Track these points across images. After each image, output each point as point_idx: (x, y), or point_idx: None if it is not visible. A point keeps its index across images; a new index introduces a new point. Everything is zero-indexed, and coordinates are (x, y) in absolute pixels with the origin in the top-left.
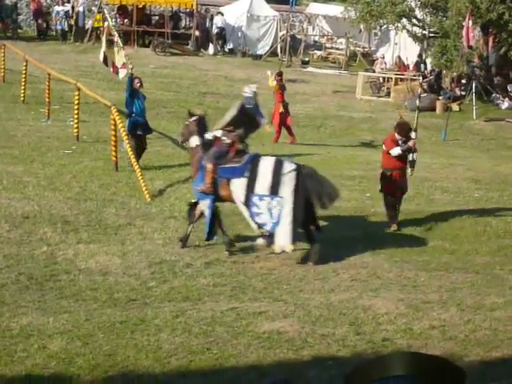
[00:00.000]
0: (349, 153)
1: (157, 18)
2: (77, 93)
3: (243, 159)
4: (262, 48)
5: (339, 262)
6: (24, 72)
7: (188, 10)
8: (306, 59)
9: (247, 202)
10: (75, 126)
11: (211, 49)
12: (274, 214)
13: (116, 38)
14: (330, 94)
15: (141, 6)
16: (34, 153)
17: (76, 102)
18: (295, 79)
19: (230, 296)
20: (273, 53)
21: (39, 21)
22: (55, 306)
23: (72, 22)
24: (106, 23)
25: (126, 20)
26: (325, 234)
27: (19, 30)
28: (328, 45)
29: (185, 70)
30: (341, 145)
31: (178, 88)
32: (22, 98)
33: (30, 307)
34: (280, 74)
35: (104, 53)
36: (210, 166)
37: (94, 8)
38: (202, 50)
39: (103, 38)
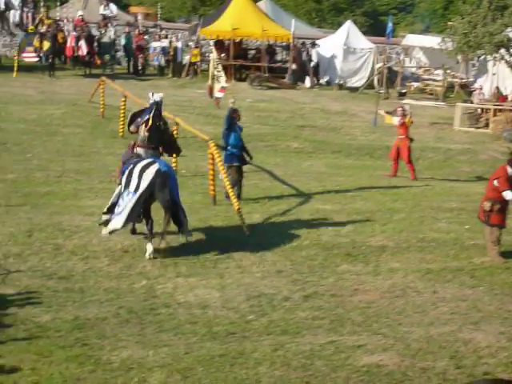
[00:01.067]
0: (447, 185)
1: (253, 51)
2: (175, 127)
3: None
4: (359, 80)
5: (438, 295)
6: (123, 107)
7: (284, 43)
8: (403, 91)
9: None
10: (174, 160)
11: (308, 82)
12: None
13: (217, 70)
14: (427, 126)
15: (237, 41)
16: None
17: (175, 136)
18: (392, 111)
19: (328, 329)
20: (369, 85)
21: (139, 57)
22: (155, 339)
23: (170, 57)
24: (211, 55)
25: (222, 54)
26: (423, 265)
27: (117, 66)
28: (425, 76)
29: (282, 103)
30: (439, 177)
31: (275, 121)
32: (121, 133)
33: (129, 341)
34: (405, 109)
35: (209, 86)
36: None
37: (191, 43)
38: (298, 83)
39: (210, 72)
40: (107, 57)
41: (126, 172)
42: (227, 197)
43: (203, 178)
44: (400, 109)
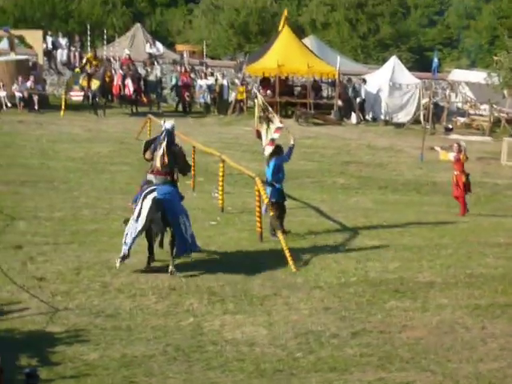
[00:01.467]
0: (494, 220)
1: (299, 88)
2: (221, 165)
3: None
4: (405, 116)
5: (487, 331)
6: None
7: (330, 79)
8: (450, 126)
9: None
10: (220, 197)
11: (354, 118)
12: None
13: (269, 113)
14: (473, 161)
15: (283, 78)
16: None
17: (221, 173)
18: (439, 147)
19: (377, 366)
20: (416, 120)
21: (185, 95)
22: (202, 377)
23: (215, 94)
24: (256, 100)
25: (268, 91)
26: (471, 301)
27: (164, 104)
28: (471, 111)
29: (328, 139)
30: (486, 212)
31: (321, 158)
32: None
33: (177, 378)
34: (460, 145)
35: (256, 129)
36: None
37: (236, 81)
38: (344, 119)
39: (256, 116)
40: (153, 95)
41: (139, 201)
42: (273, 234)
43: (250, 215)
44: (456, 145)
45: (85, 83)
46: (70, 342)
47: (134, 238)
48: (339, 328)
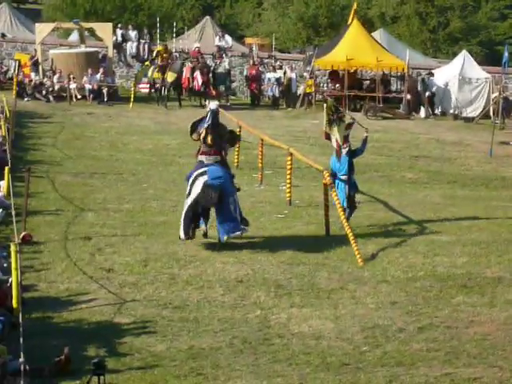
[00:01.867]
0: None
1: (368, 82)
2: (289, 158)
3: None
4: (475, 111)
5: None
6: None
7: (399, 73)
8: None
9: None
10: (288, 190)
11: (423, 112)
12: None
13: (337, 116)
14: None
15: (352, 71)
16: (247, 217)
17: (288, 167)
18: (509, 141)
19: (443, 361)
20: (485, 115)
21: (253, 87)
22: (268, 369)
23: (284, 87)
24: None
25: (337, 85)
26: None
27: (232, 97)
28: None
29: (396, 133)
30: None
31: (389, 152)
32: (236, 164)
33: (243, 371)
34: None
35: (325, 132)
36: None
37: (305, 74)
38: (413, 113)
39: (324, 118)
40: (222, 87)
41: (190, 180)
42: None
43: (317, 209)
44: None
45: (156, 75)
46: (138, 333)
47: (186, 214)
48: (406, 322)
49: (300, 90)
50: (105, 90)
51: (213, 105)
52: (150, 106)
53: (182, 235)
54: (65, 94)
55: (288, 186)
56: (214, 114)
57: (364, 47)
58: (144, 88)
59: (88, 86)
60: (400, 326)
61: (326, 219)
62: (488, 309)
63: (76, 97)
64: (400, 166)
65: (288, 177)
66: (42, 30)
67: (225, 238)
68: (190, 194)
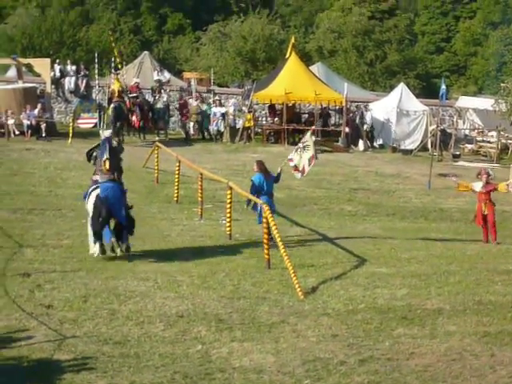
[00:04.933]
0: (503, 247)
1: (306, 115)
2: (229, 192)
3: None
4: (413, 143)
5: (496, 358)
6: (177, 172)
7: (337, 107)
8: (457, 153)
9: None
10: (228, 224)
11: (361, 145)
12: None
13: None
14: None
15: (291, 105)
16: (187, 252)
17: (228, 200)
18: (446, 173)
19: None
20: (423, 147)
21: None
22: None
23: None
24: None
25: (276, 119)
26: (480, 328)
27: (172, 132)
28: (479, 138)
29: (335, 166)
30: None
31: (328, 185)
32: (176, 198)
33: None
34: (490, 174)
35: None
36: None
37: (244, 108)
38: (352, 146)
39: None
40: (161, 123)
41: (86, 198)
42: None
43: (257, 242)
44: (485, 174)
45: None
46: (78, 369)
47: (95, 230)
48: (347, 355)
49: (239, 125)
50: (43, 126)
51: (106, 133)
52: (89, 142)
53: (97, 251)
54: (2, 130)
55: (228, 220)
56: (109, 140)
57: (302, 81)
58: (84, 123)
59: (26, 122)
60: (341, 358)
61: (267, 252)
62: (429, 340)
63: (14, 132)
64: (339, 199)
65: (228, 211)
66: None
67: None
68: (88, 211)
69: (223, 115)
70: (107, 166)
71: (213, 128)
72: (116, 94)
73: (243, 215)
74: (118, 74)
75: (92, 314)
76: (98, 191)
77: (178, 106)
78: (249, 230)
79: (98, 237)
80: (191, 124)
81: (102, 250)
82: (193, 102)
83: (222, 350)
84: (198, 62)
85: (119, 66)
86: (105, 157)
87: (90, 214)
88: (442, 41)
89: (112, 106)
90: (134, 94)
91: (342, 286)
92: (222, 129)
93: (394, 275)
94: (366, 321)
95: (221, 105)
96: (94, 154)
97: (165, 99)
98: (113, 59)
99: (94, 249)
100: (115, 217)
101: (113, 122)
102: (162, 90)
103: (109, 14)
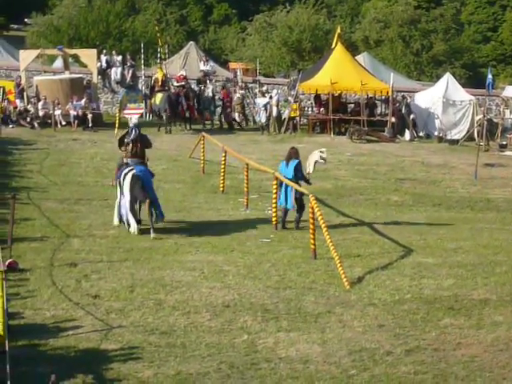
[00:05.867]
0: None
1: (352, 105)
2: (274, 182)
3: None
4: (459, 133)
5: None
6: (223, 163)
7: (383, 96)
8: (504, 143)
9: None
10: (274, 214)
11: (407, 135)
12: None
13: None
14: None
15: (336, 95)
16: (233, 242)
17: (274, 191)
18: (493, 163)
19: None
20: (470, 137)
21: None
22: None
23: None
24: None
25: (321, 109)
26: None
27: (217, 122)
28: None
29: (381, 156)
30: None
31: (374, 175)
32: (222, 188)
33: None
34: None
35: None
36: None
37: (290, 98)
38: (398, 136)
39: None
40: (207, 112)
41: (120, 179)
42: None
43: (303, 232)
44: None
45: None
46: (125, 359)
47: (130, 208)
48: (393, 345)
49: (285, 115)
50: (89, 116)
51: (134, 120)
52: None
53: (135, 229)
54: (49, 121)
55: (274, 210)
56: (137, 127)
57: (348, 71)
58: (130, 114)
59: (73, 113)
60: (387, 349)
61: (313, 242)
62: (475, 331)
63: (61, 123)
64: (385, 189)
65: (274, 201)
66: (26, 56)
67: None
68: (122, 190)
69: (265, 106)
70: (135, 151)
71: (257, 118)
72: (159, 83)
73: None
74: (161, 64)
75: (138, 304)
76: (133, 171)
77: (221, 96)
78: (294, 220)
79: (134, 214)
80: (236, 114)
81: (139, 229)
82: (237, 93)
83: (268, 340)
84: (243, 52)
85: (163, 56)
86: (131, 141)
87: (127, 192)
88: (488, 30)
89: (164, 94)
90: (180, 83)
91: (388, 276)
92: (263, 120)
93: (441, 265)
94: (412, 311)
95: (263, 95)
96: (125, 140)
97: (210, 89)
98: (158, 49)
99: (132, 227)
100: (148, 196)
101: (164, 109)
102: (208, 81)
103: (155, 5)
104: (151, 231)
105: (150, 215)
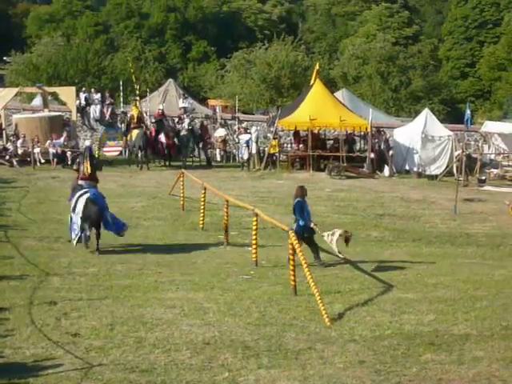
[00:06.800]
0: None
1: (331, 141)
2: (254, 218)
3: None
4: (438, 168)
5: None
6: (203, 199)
7: (362, 132)
8: (483, 178)
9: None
10: (253, 251)
11: (386, 170)
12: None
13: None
14: (507, 213)
15: (315, 131)
16: (213, 279)
17: (254, 227)
18: (472, 198)
19: None
20: (449, 172)
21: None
22: None
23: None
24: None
25: (301, 145)
26: (508, 353)
27: (196, 159)
28: (504, 163)
29: (361, 192)
30: None
31: (354, 211)
32: (201, 225)
33: None
34: None
35: None
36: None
37: (269, 134)
38: (377, 172)
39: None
40: (185, 150)
41: (73, 199)
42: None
43: (284, 269)
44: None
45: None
46: None
47: (80, 223)
48: (374, 382)
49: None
50: (69, 154)
51: (87, 142)
52: (114, 169)
53: (75, 240)
54: (29, 159)
55: (254, 246)
56: (89, 148)
57: (327, 107)
58: (110, 151)
59: (52, 150)
60: None
61: (293, 279)
62: (456, 366)
63: (40, 161)
64: (365, 225)
65: (254, 237)
66: (5, 94)
67: (121, 234)
68: (74, 209)
69: (247, 142)
70: (88, 170)
71: (239, 155)
72: (135, 120)
73: (269, 241)
74: (136, 101)
75: (119, 342)
76: (88, 194)
77: (199, 132)
78: (275, 257)
79: (82, 230)
80: (217, 151)
81: (85, 239)
82: (219, 130)
83: (249, 377)
84: (222, 89)
85: (138, 93)
86: (85, 162)
87: (80, 213)
88: (466, 66)
89: (140, 130)
90: (157, 119)
91: (368, 312)
92: (245, 156)
93: (421, 301)
94: (393, 347)
95: (246, 132)
96: (78, 160)
97: (186, 125)
98: (135, 86)
99: (75, 240)
100: (101, 217)
101: (139, 146)
102: (185, 116)
103: (133, 42)
104: (96, 252)
105: (96, 237)
